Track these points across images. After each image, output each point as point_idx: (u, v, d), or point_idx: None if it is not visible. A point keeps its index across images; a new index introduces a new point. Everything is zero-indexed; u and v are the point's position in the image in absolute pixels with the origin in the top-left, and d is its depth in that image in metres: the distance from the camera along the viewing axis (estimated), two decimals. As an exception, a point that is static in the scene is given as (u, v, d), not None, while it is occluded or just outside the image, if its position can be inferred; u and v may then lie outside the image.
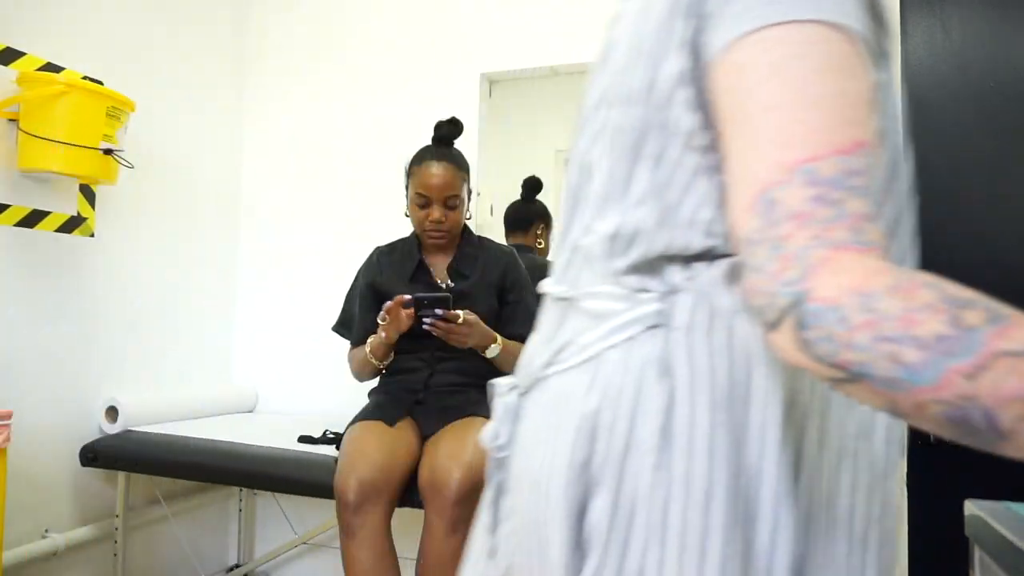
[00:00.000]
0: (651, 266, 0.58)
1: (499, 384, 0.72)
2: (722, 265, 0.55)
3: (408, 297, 1.62)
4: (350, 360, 1.88)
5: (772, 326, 0.44)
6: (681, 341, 0.55)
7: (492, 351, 1.73)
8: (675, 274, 0.57)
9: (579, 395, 0.58)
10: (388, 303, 1.64)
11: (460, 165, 1.79)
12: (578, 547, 0.56)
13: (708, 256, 0.56)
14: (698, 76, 0.53)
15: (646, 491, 0.53)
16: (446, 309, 1.62)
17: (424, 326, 1.63)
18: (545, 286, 0.72)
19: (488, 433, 0.71)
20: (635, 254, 0.58)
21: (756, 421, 0.53)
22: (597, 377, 0.57)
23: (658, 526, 0.52)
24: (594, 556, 0.54)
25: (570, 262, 0.68)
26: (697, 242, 0.55)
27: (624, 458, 0.54)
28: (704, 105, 0.53)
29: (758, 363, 0.53)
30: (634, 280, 0.58)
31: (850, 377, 0.40)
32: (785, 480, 0.52)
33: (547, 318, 0.70)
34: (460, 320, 1.63)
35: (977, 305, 0.36)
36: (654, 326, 0.56)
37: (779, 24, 0.47)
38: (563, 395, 0.60)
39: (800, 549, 0.52)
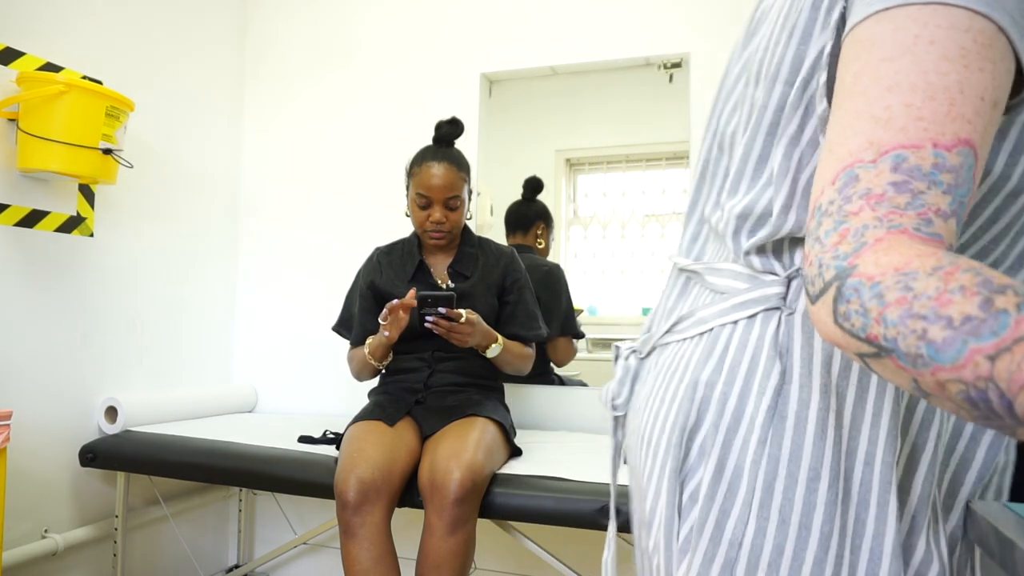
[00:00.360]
0: (778, 247, 0.59)
1: (621, 347, 0.75)
2: None
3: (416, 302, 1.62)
4: (349, 360, 1.88)
5: (816, 297, 0.45)
6: (799, 325, 0.56)
7: (493, 351, 1.73)
8: (800, 257, 0.58)
9: (695, 365, 0.60)
10: (394, 301, 1.64)
11: (461, 165, 1.79)
12: (678, 508, 0.59)
13: None
14: (833, 59, 0.52)
15: (750, 465, 0.55)
16: (449, 308, 1.62)
17: (426, 324, 1.63)
18: (672, 256, 0.75)
19: (607, 393, 0.73)
20: (762, 235, 0.59)
21: (871, 409, 0.54)
22: (714, 350, 0.60)
23: (759, 500, 0.54)
24: (692, 519, 0.57)
25: (697, 235, 0.70)
26: None
27: (732, 430, 0.56)
28: (833, 90, 0.52)
29: None
30: (758, 261, 0.60)
31: (877, 352, 0.40)
32: (895, 469, 0.53)
33: (671, 287, 0.72)
34: (463, 319, 1.63)
35: (1012, 291, 0.36)
36: (775, 308, 0.58)
37: (921, 4, 0.45)
38: (678, 363, 0.63)
39: (906, 539, 0.54)
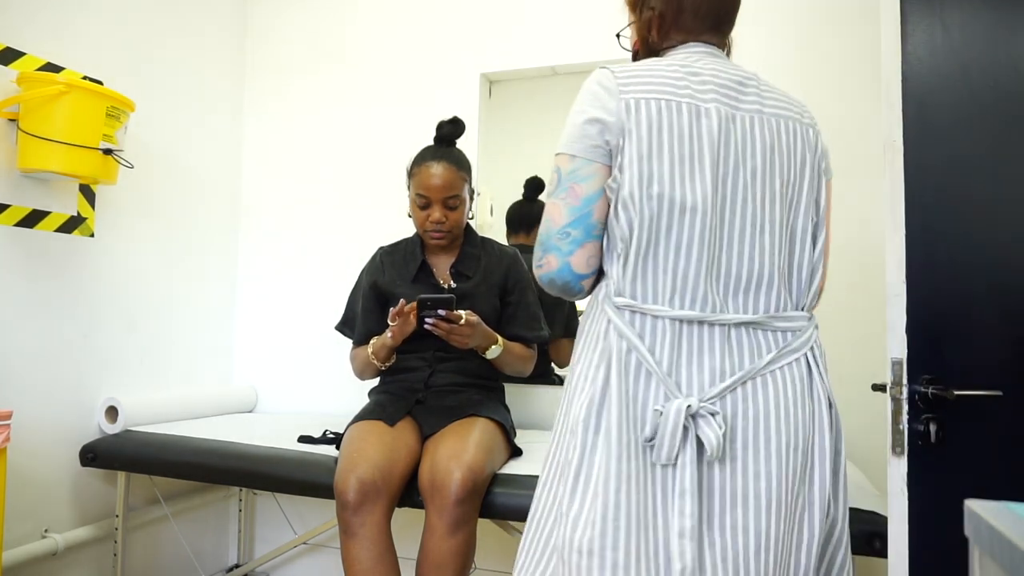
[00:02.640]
0: (811, 300, 1.06)
1: (697, 407, 0.95)
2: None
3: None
4: (352, 360, 1.88)
5: None
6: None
7: (493, 352, 1.73)
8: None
9: (808, 379, 1.01)
10: (405, 305, 1.64)
11: (461, 165, 1.79)
12: (836, 469, 1.03)
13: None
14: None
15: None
16: (449, 310, 1.62)
17: (426, 326, 1.63)
18: (735, 318, 1.06)
19: (714, 445, 0.94)
20: (809, 292, 1.05)
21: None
22: (818, 367, 1.02)
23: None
24: (843, 471, 1.05)
25: (749, 289, 1.06)
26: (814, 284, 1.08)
27: (839, 418, 1.06)
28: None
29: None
30: (806, 311, 1.05)
31: None
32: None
33: (730, 339, 1.00)
34: (462, 321, 1.63)
35: None
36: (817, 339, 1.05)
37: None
38: (793, 383, 1.00)
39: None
